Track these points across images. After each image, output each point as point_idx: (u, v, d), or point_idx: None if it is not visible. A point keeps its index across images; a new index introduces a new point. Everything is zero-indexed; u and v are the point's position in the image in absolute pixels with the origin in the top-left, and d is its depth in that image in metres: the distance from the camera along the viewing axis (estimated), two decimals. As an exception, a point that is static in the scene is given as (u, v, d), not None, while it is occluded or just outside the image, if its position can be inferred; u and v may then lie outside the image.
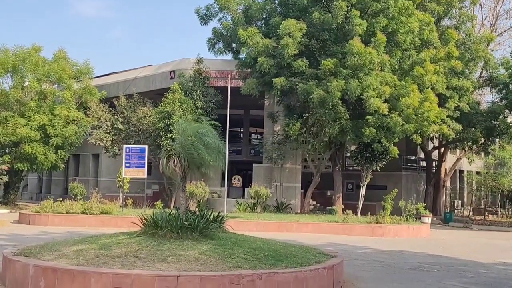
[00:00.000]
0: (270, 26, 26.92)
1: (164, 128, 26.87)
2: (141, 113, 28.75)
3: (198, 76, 29.65)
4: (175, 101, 27.26)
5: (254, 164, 30.83)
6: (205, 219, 10.93)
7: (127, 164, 23.17)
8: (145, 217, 10.58)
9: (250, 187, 27.20)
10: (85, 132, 31.14)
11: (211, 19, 29.86)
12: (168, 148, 15.35)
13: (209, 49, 29.72)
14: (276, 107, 29.09)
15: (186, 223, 10.33)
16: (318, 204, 32.84)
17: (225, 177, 24.51)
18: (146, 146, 24.17)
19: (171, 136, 23.86)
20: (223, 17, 29.53)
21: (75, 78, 32.53)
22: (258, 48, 25.49)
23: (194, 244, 9.69)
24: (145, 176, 24.02)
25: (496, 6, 37.48)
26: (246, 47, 26.15)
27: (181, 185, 14.03)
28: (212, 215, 11.61)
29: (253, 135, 43.96)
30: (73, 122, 30.30)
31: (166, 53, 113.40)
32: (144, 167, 23.24)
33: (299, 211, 28.30)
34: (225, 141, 21.83)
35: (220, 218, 11.92)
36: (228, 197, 26.64)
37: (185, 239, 9.93)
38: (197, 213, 11.59)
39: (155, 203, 22.96)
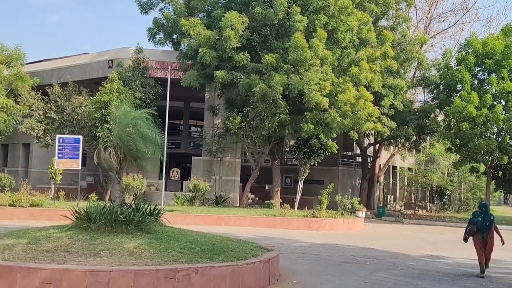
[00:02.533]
0: (212, 18, 26.74)
1: (100, 119, 26.11)
2: (76, 102, 27.81)
3: (137, 66, 29.01)
4: (113, 91, 26.53)
5: (193, 157, 30.57)
6: (141, 212, 10.71)
7: (60, 155, 22.33)
8: (78, 210, 10.23)
9: (189, 180, 26.97)
10: (15, 121, 29.79)
11: (152, 9, 29.33)
12: (105, 139, 15.05)
13: (149, 39, 29.19)
14: (217, 100, 28.95)
15: (121, 216, 10.08)
16: (257, 198, 33.03)
17: (163, 169, 24.15)
18: (81, 137, 23.37)
19: (108, 127, 23.22)
20: (164, 7, 29.06)
21: (5, 64, 31.04)
22: (200, 40, 25.26)
23: (129, 238, 9.49)
24: (79, 167, 23.22)
25: (430, 10, 38.95)
26: (187, 38, 25.86)
27: (117, 177, 13.68)
28: (149, 208, 11.41)
29: (193, 128, 43.55)
30: (2, 109, 28.91)
31: (104, 42, 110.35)
32: (78, 158, 22.46)
33: (237, 205, 28.37)
34: (164, 133, 21.54)
35: (156, 211, 11.74)
36: (166, 190, 26.29)
37: (120, 232, 9.71)
38: (133, 206, 11.36)
39: (89, 196, 22.30)
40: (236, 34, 24.29)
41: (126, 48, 30.88)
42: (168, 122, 23.32)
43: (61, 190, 23.62)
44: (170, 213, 19.55)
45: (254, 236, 16.32)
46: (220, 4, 27.71)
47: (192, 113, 39.01)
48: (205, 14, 28.54)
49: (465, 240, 12.99)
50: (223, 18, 24.62)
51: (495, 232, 12.76)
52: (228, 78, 24.97)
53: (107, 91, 26.70)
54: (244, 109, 25.95)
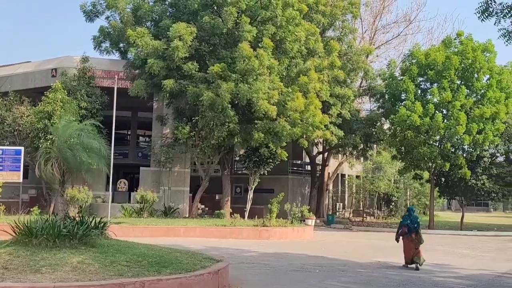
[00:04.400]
0: (160, 28, 26.45)
1: (43, 129, 25.26)
2: (17, 113, 26.82)
3: (83, 75, 28.32)
4: (57, 101, 25.75)
5: (141, 168, 30.05)
6: (86, 226, 10.42)
7: (0, 167, 21.42)
8: (18, 224, 9.82)
9: (137, 191, 26.47)
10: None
11: (98, 17, 28.71)
12: (47, 151, 14.49)
13: (95, 48, 28.54)
14: (165, 110, 28.62)
15: (64, 230, 9.78)
16: (207, 208, 32.78)
17: (110, 181, 23.59)
18: (22, 148, 22.42)
19: (51, 138, 22.48)
20: (110, 15, 28.50)
21: None
22: (147, 50, 24.93)
23: (73, 252, 9.20)
24: (21, 180, 22.25)
25: (374, 21, 40.04)
26: (134, 48, 25.48)
27: (60, 189, 13.22)
28: (94, 221, 11.11)
29: (141, 138, 42.88)
30: None
31: (47, 50, 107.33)
32: (19, 170, 21.54)
33: (187, 216, 28.05)
34: (111, 144, 21.05)
35: (102, 224, 11.44)
36: (113, 202, 25.67)
37: (63, 247, 9.41)
38: (77, 219, 11.03)
39: (31, 209, 21.45)
40: (184, 44, 24.13)
41: (71, 57, 30.12)
42: (115, 132, 22.85)
43: (1, 204, 22.65)
44: (117, 225, 19.16)
45: (204, 247, 16.16)
46: (168, 14, 27.48)
47: (140, 123, 38.43)
48: (152, 23, 28.20)
49: (397, 240, 14.95)
50: (171, 29, 24.41)
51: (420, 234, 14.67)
52: (176, 87, 24.74)
53: (50, 101, 25.89)
54: (193, 118, 25.77)
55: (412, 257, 14.48)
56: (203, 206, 32.47)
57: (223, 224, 22.94)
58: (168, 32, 24.66)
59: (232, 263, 12.60)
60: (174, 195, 28.91)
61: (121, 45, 28.72)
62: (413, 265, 14.40)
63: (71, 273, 8.10)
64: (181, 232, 21.31)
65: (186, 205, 29.24)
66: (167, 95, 25.94)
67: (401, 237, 14.84)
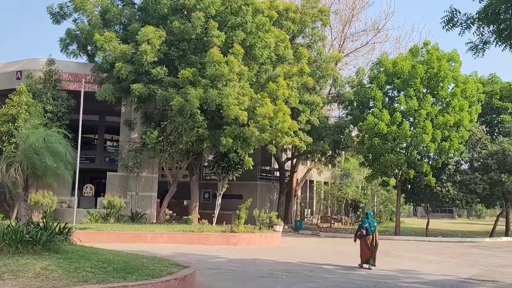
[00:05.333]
0: (128, 31, 26.17)
1: (7, 133, 24.62)
2: (-20, 115, 26.06)
3: (48, 78, 27.78)
4: (21, 104, 25.14)
5: (108, 173, 29.61)
6: (50, 231, 10.24)
7: (-40, 172, 20.74)
8: (-22, 230, 9.54)
9: (103, 196, 26.06)
10: None
11: (65, 19, 28.23)
12: (11, 155, 13.99)
13: (61, 51, 28.00)
14: (134, 114, 28.31)
15: (27, 236, 9.60)
16: (175, 214, 32.54)
17: (76, 186, 23.16)
18: (-16, 152, 21.88)
19: (15, 141, 21.91)
20: (78, 18, 28.07)
21: None
22: (115, 54, 24.62)
23: (36, 258, 9.04)
24: (-18, 184, 21.73)
25: (344, 29, 40.57)
26: (102, 52, 25.13)
27: (23, 194, 12.90)
28: (58, 226, 10.91)
29: (108, 142, 42.26)
30: None
31: (11, 52, 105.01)
32: (-20, 174, 20.97)
33: (155, 221, 27.74)
34: (77, 148, 20.66)
35: (67, 229, 11.24)
36: (78, 207, 25.19)
37: (26, 253, 9.26)
38: (41, 224, 10.81)
39: (-7, 215, 20.90)
40: (153, 48, 23.93)
41: (37, 59, 29.53)
42: (82, 137, 22.47)
43: (-39, 209, 22.00)
44: (82, 231, 18.87)
45: (171, 253, 16.01)
46: (137, 17, 27.19)
47: (108, 127, 37.92)
48: (121, 27, 27.90)
49: (355, 240, 16.27)
50: (139, 33, 24.17)
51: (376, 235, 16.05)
52: (145, 91, 24.51)
53: (15, 103, 25.26)
54: (161, 123, 25.55)
55: (367, 258, 15.77)
56: (171, 212, 32.19)
57: (191, 230, 22.77)
58: (136, 36, 24.41)
59: (199, 269, 12.52)
60: (141, 200, 28.57)
61: (88, 48, 28.30)
62: (367, 266, 15.67)
63: (34, 279, 7.93)
64: (148, 238, 21.08)
65: (154, 211, 28.93)
66: (136, 99, 25.68)
67: (358, 239, 16.10)
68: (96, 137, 40.03)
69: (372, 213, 17.19)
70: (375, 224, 16.20)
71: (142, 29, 24.29)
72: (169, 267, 10.36)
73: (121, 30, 27.67)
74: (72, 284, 7.92)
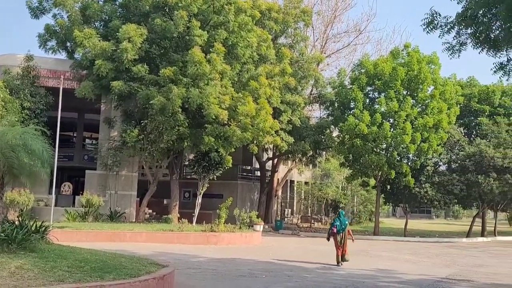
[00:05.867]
0: (109, 28, 25.91)
1: (-17, 129, 24.19)
2: (-44, 111, 25.58)
3: (27, 75, 27.34)
4: (-2, 100, 24.75)
5: (87, 171, 29.26)
6: (26, 230, 10.09)
7: None
8: (-48, 228, 9.35)
9: (82, 195, 25.77)
10: None
11: (44, 14, 27.85)
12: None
13: (40, 46, 27.65)
14: (114, 112, 28.03)
15: (2, 234, 9.48)
16: (154, 213, 32.33)
17: (53, 184, 22.87)
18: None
19: (-8, 138, 21.57)
20: (58, 13, 27.74)
21: None
22: (95, 51, 24.35)
23: (11, 257, 8.90)
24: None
25: (326, 30, 40.73)
26: (82, 48, 24.83)
27: (-1, 192, 12.68)
28: (35, 225, 10.74)
29: (87, 140, 41.81)
30: None
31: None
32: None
33: (134, 220, 27.53)
34: (55, 146, 20.40)
35: (43, 228, 11.08)
36: (56, 205, 24.86)
37: (1, 252, 9.16)
38: (17, 223, 10.64)
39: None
40: (134, 46, 23.73)
41: (14, 54, 29.03)
42: (61, 134, 22.17)
43: None
44: (59, 229, 18.63)
45: (150, 252, 15.90)
46: (118, 14, 26.94)
47: (87, 125, 37.47)
48: (102, 23, 27.61)
49: (328, 239, 17.12)
50: (120, 30, 23.94)
51: (350, 233, 17.01)
52: (125, 89, 24.29)
53: (-9, 99, 24.84)
54: (142, 121, 25.37)
55: (342, 255, 16.65)
56: (150, 211, 31.97)
57: (170, 229, 22.64)
58: (117, 33, 24.18)
59: (179, 269, 12.47)
60: (120, 199, 28.32)
61: (68, 44, 27.98)
62: (342, 262, 16.56)
63: (9, 278, 7.79)
64: (127, 237, 20.90)
65: (133, 210, 28.69)
66: (116, 97, 25.46)
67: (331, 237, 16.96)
68: (75, 135, 39.58)
69: (344, 213, 18.04)
70: (346, 222, 17.06)
71: (123, 26, 24.06)
72: (148, 267, 10.26)
73: (101, 27, 27.40)
74: (48, 283, 7.80)
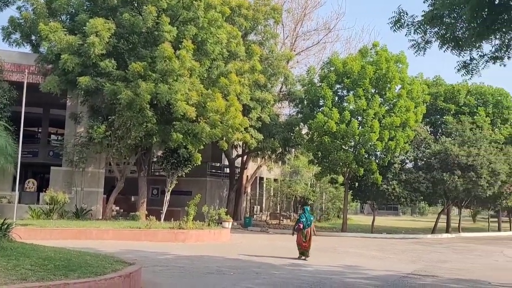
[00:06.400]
0: (76, 22, 25.35)
1: None
2: None
3: (-11, 68, 26.57)
4: (-41, 94, 24.04)
5: (52, 167, 28.66)
6: (-14, 228, 9.77)
7: None
8: None
9: (46, 191, 25.24)
10: None
11: (8, 6, 27.06)
12: None
13: (3, 39, 26.82)
14: (80, 108, 27.51)
15: (-39, 232, 9.11)
16: (122, 210, 31.93)
17: (17, 180, 22.33)
18: None
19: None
20: (23, 5, 26.96)
21: None
22: (61, 45, 23.79)
23: (-30, 256, 8.58)
24: None
25: (296, 28, 40.88)
26: (47, 42, 24.24)
27: (-41, 189, 12.32)
28: (-4, 222, 10.45)
29: (53, 136, 40.96)
30: None
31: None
32: None
33: (101, 218, 27.12)
34: (19, 142, 19.93)
35: (5, 226, 10.80)
36: (19, 202, 24.35)
37: (-40, 250, 8.77)
38: (-23, 220, 10.34)
39: None
40: (101, 40, 23.29)
41: (-24, 48, 28.19)
42: (25, 130, 21.68)
43: None
44: (23, 227, 18.23)
45: (117, 250, 15.68)
46: (85, 7, 26.39)
47: (52, 121, 36.69)
48: (68, 17, 26.99)
49: (293, 234, 17.93)
50: (87, 24, 23.46)
51: (313, 229, 17.84)
52: (92, 84, 23.85)
53: (-48, 94, 24.11)
54: (109, 117, 24.97)
55: (303, 251, 17.32)
56: (117, 208, 31.57)
57: (138, 227, 22.39)
58: (84, 27, 23.69)
59: (146, 266, 12.34)
60: (87, 196, 27.85)
61: (33, 37, 27.23)
62: (303, 257, 17.21)
63: (-33, 278, 7.53)
64: (93, 235, 20.58)
65: (100, 207, 28.27)
66: (82, 92, 24.98)
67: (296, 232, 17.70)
68: (39, 130, 38.67)
69: (309, 209, 18.63)
70: (312, 219, 17.87)
71: (90, 20, 23.59)
72: (114, 264, 10.14)
73: (68, 21, 26.78)
74: (10, 282, 7.59)
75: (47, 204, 24.36)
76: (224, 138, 26.24)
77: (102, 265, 9.81)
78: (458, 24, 11.41)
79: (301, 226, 17.39)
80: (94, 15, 24.57)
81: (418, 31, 11.55)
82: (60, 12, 26.30)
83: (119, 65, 24.53)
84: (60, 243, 14.54)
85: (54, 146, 34.41)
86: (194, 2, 24.76)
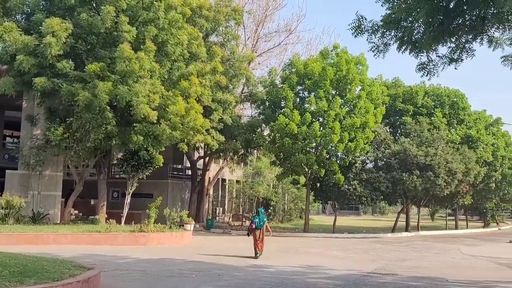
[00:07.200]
0: (32, 22, 24.69)
1: None
2: None
3: None
4: None
5: (7, 171, 27.80)
6: None
7: None
8: None
9: (1, 195, 24.47)
10: None
11: (-40, 5, 26.11)
12: None
13: (-45, 39, 25.90)
14: (37, 109, 26.80)
15: None
16: (81, 214, 31.30)
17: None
18: None
19: None
20: (-25, 5, 26.06)
21: None
22: (16, 45, 23.12)
23: None
24: None
25: (257, 29, 40.97)
26: (1, 42, 23.53)
27: None
28: None
29: (8, 139, 39.77)
30: None
31: None
32: None
33: (59, 222, 26.48)
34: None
35: (-44, 232, 10.37)
36: (-28, 208, 23.48)
37: None
38: None
39: None
40: (58, 41, 22.74)
41: None
42: (-22, 132, 20.92)
43: None
44: (-24, 233, 17.57)
45: (75, 255, 15.33)
46: (41, 7, 25.73)
47: (8, 123, 35.68)
48: (24, 16, 26.27)
49: (248, 235, 18.70)
50: (43, 24, 22.88)
51: (268, 229, 18.77)
52: (49, 86, 23.26)
53: None
54: (67, 119, 24.41)
55: (257, 249, 18.04)
56: (76, 212, 30.93)
57: (97, 230, 21.95)
58: (40, 27, 23.07)
59: (105, 271, 12.11)
60: (44, 200, 27.14)
61: (-14, 37, 26.37)
62: (257, 255, 17.97)
63: None
64: (51, 239, 20.07)
65: (58, 211, 27.59)
66: (39, 94, 24.35)
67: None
68: (-6, 133, 37.57)
69: (263, 211, 19.12)
70: (265, 219, 18.52)
71: (46, 20, 23.00)
72: (72, 269, 9.91)
73: (23, 20, 26.04)
74: (-39, 290, 7.32)
75: (2, 208, 23.59)
76: (185, 140, 26.03)
77: (60, 270, 9.59)
78: (415, 28, 11.69)
79: (254, 226, 18.14)
80: (50, 15, 23.98)
81: (376, 33, 11.77)
82: (15, 12, 25.56)
83: (77, 66, 24.01)
84: (16, 249, 14.10)
85: (9, 149, 33.49)
86: (154, 2, 24.48)
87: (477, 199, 45.02)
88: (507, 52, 11.99)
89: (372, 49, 12.09)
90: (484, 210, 51.18)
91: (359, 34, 11.74)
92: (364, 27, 11.75)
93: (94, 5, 25.02)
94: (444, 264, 18.52)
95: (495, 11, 10.80)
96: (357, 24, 11.65)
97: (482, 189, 43.00)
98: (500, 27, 11.22)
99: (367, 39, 11.91)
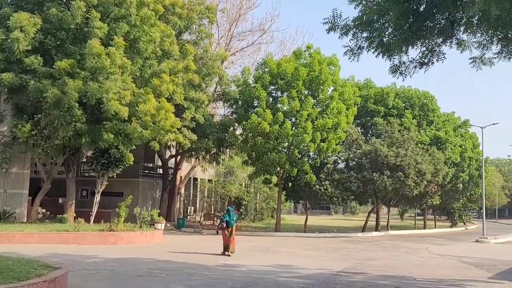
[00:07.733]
0: (-1, 16, 24.14)
1: None
2: None
3: None
4: None
5: (-27, 169, 27.08)
6: None
7: None
8: None
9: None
10: None
11: None
12: None
13: None
14: (4, 106, 26.14)
15: None
16: (49, 212, 30.69)
17: None
18: None
19: None
20: None
21: None
22: (-17, 39, 22.56)
23: None
24: None
25: (230, 28, 40.88)
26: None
27: None
28: None
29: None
30: None
31: None
32: None
33: (25, 221, 25.90)
34: None
35: None
36: None
37: None
38: None
39: None
40: (26, 36, 22.25)
41: None
42: None
43: None
44: None
45: (42, 254, 15.05)
46: (9, 1, 25.17)
47: (-26, 119, 34.68)
48: (-9, 10, 25.63)
49: (217, 232, 19.89)
50: (11, 18, 22.36)
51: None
52: (16, 81, 22.76)
53: None
54: (35, 116, 23.91)
55: (227, 246, 18.53)
56: (44, 210, 30.33)
57: (65, 229, 21.55)
58: (8, 22, 22.56)
59: (73, 270, 11.92)
60: (10, 198, 26.51)
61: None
62: (227, 252, 18.44)
63: None
64: (17, 238, 19.64)
65: (25, 209, 26.98)
66: (6, 89, 23.80)
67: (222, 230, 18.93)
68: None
69: (232, 209, 19.64)
70: (235, 218, 19.21)
71: (14, 15, 22.50)
72: (38, 269, 9.72)
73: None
74: None
75: (-34, 207, 23.01)
76: (157, 139, 25.77)
77: (26, 270, 9.42)
78: (385, 30, 11.82)
79: (225, 224, 18.65)
80: (19, 9, 23.49)
81: (348, 34, 11.86)
82: (-18, 5, 24.92)
83: (46, 62, 23.54)
84: (-20, 248, 13.77)
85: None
86: (126, -1, 24.17)
87: (445, 199, 45.87)
88: (475, 54, 12.20)
89: (346, 53, 12.20)
90: (452, 210, 52.23)
91: (332, 30, 11.81)
92: (338, 25, 11.83)
93: (64, 0, 24.57)
94: (412, 263, 18.79)
95: (464, 15, 10.99)
96: (331, 20, 11.73)
97: (450, 189, 43.84)
98: (469, 31, 11.43)
99: (339, 37, 12.00)
